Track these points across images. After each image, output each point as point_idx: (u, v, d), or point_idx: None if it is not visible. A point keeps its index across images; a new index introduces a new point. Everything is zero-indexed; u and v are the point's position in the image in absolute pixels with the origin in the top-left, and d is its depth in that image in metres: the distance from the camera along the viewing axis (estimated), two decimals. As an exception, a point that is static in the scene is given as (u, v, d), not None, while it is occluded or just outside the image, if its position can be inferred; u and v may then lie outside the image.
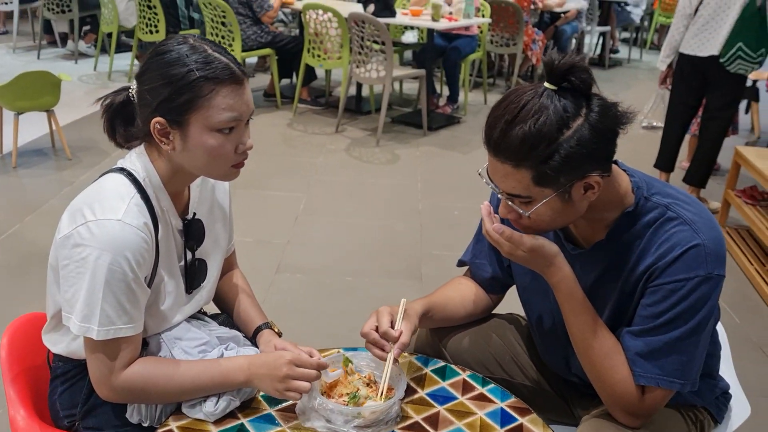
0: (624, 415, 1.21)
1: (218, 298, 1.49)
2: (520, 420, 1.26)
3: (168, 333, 1.30)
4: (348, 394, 1.24)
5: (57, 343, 1.29)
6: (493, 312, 1.57)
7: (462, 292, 1.50)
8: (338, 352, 1.33)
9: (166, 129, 1.17)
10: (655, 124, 5.14)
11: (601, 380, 1.22)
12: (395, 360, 1.28)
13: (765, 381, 2.44)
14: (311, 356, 1.25)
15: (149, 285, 1.22)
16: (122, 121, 1.25)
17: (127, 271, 1.13)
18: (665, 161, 3.99)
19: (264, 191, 3.96)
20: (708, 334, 1.21)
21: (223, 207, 1.42)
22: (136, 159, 1.23)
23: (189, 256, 1.32)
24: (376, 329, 1.29)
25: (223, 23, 5.24)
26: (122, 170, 1.21)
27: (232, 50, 5.10)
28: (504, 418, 1.26)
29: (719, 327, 1.55)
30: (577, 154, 1.06)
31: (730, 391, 1.46)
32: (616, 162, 1.22)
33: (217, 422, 1.22)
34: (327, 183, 4.15)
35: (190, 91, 1.14)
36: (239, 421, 1.23)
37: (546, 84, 1.09)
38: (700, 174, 3.84)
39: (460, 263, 1.55)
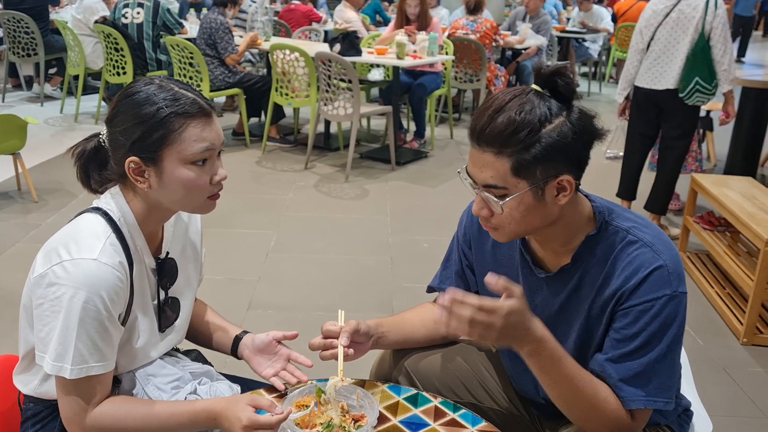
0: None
1: (191, 329, 1.51)
2: (491, 444, 1.29)
3: (141, 370, 1.31)
4: (322, 424, 1.26)
5: (28, 384, 1.29)
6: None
7: (422, 314, 1.54)
8: (311, 383, 1.35)
9: (141, 167, 1.20)
10: (618, 154, 5.30)
11: (592, 419, 1.22)
12: (346, 350, 1.34)
13: (728, 401, 2.51)
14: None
15: (123, 323, 1.24)
16: (96, 166, 1.28)
17: (102, 309, 1.14)
18: (626, 190, 4.12)
19: (234, 229, 3.96)
20: (680, 350, 1.25)
21: (195, 246, 1.45)
22: (110, 199, 1.25)
23: (162, 294, 1.33)
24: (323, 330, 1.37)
25: (190, 64, 5.29)
26: (98, 210, 1.24)
27: (200, 90, 5.15)
28: (475, 442, 1.29)
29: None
30: (557, 148, 1.12)
31: (691, 408, 1.51)
32: (578, 188, 1.29)
33: (192, 458, 1.23)
34: (297, 219, 4.18)
35: (162, 127, 1.18)
36: (214, 457, 1.24)
37: (533, 86, 1.17)
38: (659, 202, 3.96)
39: (429, 289, 1.59)
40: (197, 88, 1.36)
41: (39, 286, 1.15)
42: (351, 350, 1.36)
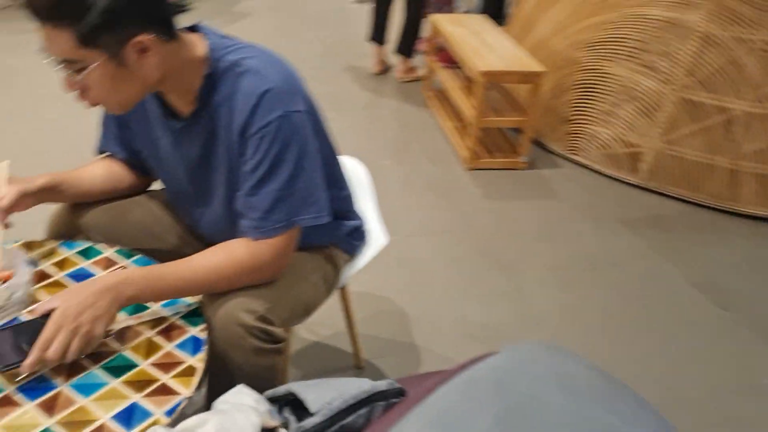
0: (257, 274, 1.26)
1: None
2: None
3: None
4: (-40, 288, 1.19)
5: None
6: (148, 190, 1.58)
7: (103, 168, 1.48)
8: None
9: None
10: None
11: (239, 280, 1.24)
12: (5, 227, 1.26)
13: (448, 220, 2.79)
14: None
15: None
16: None
17: None
18: (376, 35, 4.19)
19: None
20: (315, 168, 1.26)
21: None
22: None
23: None
24: None
25: None
26: None
27: None
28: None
29: (358, 168, 1.72)
30: (117, 11, 1.06)
31: (365, 226, 1.64)
32: (195, 28, 1.25)
33: None
34: (31, 85, 3.76)
35: None
36: None
37: None
38: (405, 44, 4.09)
39: (100, 152, 1.52)
40: None
41: None
42: (9, 226, 1.27)
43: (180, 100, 1.27)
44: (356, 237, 1.59)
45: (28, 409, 1.02)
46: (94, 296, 1.11)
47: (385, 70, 4.32)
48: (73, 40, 1.06)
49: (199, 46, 1.23)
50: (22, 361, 1.04)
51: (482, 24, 3.68)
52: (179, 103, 1.28)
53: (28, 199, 1.32)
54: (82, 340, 1.07)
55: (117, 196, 1.50)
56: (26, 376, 1.07)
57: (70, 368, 1.09)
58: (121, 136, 1.46)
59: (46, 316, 1.08)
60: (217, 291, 1.25)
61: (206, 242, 1.52)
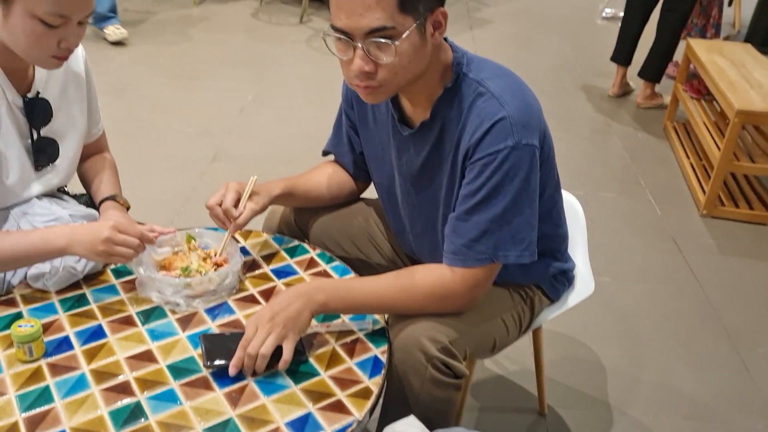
0: (446, 302, 1.23)
1: (83, 180, 1.54)
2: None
3: (17, 208, 1.35)
4: (182, 267, 1.30)
5: None
6: (362, 197, 1.62)
7: (328, 175, 1.54)
8: (176, 231, 1.37)
9: None
10: (618, 14, 4.98)
11: (427, 307, 1.23)
12: (233, 237, 1.35)
13: (671, 269, 2.52)
14: (151, 231, 1.31)
15: None
16: None
17: None
18: (621, 53, 3.91)
19: (214, 82, 3.93)
20: (531, 206, 1.21)
21: (80, 87, 1.44)
22: None
23: (35, 134, 1.35)
24: (222, 204, 1.34)
25: None
26: None
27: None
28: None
29: (576, 207, 1.60)
30: None
31: (575, 271, 1.52)
32: (445, 38, 1.23)
33: (59, 292, 1.30)
34: (280, 74, 4.11)
35: None
36: (81, 291, 1.31)
37: None
38: (654, 68, 3.77)
39: (324, 153, 1.59)
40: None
41: None
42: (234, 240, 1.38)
43: (416, 106, 1.27)
44: (562, 281, 1.48)
45: (218, 396, 1.08)
46: (288, 300, 1.16)
47: (624, 93, 4.03)
48: (395, 5, 1.07)
49: (447, 54, 1.22)
50: (228, 362, 1.12)
51: (745, 54, 3.26)
52: (413, 110, 1.28)
53: (260, 212, 1.41)
54: (277, 339, 1.12)
55: (338, 204, 1.56)
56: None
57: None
58: (350, 138, 1.50)
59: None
60: (403, 313, 1.24)
61: (412, 260, 1.52)
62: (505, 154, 1.14)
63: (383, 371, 1.16)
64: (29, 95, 1.33)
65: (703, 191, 2.90)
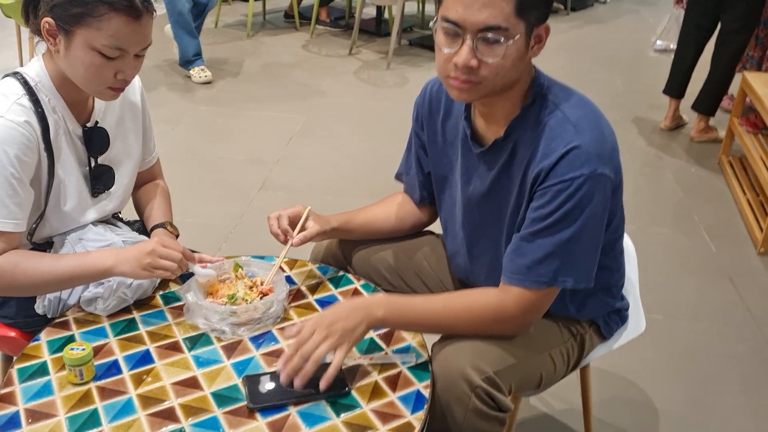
0: (500, 324, 1.23)
1: (137, 206, 1.58)
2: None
3: (74, 234, 1.40)
4: (228, 295, 1.32)
5: None
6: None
7: (388, 209, 1.55)
8: (224, 259, 1.39)
9: (54, 31, 1.23)
10: (670, 46, 4.90)
11: (484, 328, 1.23)
12: (279, 267, 1.37)
13: (727, 309, 2.43)
14: (201, 261, 1.34)
15: (49, 187, 1.31)
16: (33, 8, 1.29)
17: (7, 165, 1.21)
18: (674, 86, 3.84)
19: (264, 111, 4.01)
20: (597, 235, 1.20)
21: (136, 117, 1.49)
22: (34, 63, 1.31)
23: (93, 162, 1.39)
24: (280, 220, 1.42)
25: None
26: (16, 74, 1.29)
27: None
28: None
29: (628, 245, 1.56)
30: None
31: (629, 310, 1.48)
32: None
33: (110, 316, 1.33)
34: (329, 105, 4.17)
35: (84, 6, 1.19)
36: (131, 316, 1.33)
37: None
38: (708, 101, 3.69)
39: (397, 176, 1.59)
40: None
41: None
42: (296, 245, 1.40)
43: (491, 123, 1.27)
44: (615, 319, 1.44)
45: (260, 425, 1.08)
46: (347, 311, 1.17)
47: (677, 126, 3.95)
48: (512, 6, 1.09)
49: (532, 74, 1.23)
50: (273, 404, 1.12)
51: (807, 88, 3.16)
52: (487, 128, 1.28)
53: (320, 237, 1.45)
54: (331, 347, 1.13)
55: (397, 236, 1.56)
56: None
57: (302, 395, 1.14)
58: (420, 158, 1.50)
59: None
60: (458, 333, 1.23)
61: (463, 288, 1.50)
62: (580, 182, 1.14)
63: (426, 406, 1.14)
64: (88, 125, 1.38)
65: (761, 228, 2.80)
